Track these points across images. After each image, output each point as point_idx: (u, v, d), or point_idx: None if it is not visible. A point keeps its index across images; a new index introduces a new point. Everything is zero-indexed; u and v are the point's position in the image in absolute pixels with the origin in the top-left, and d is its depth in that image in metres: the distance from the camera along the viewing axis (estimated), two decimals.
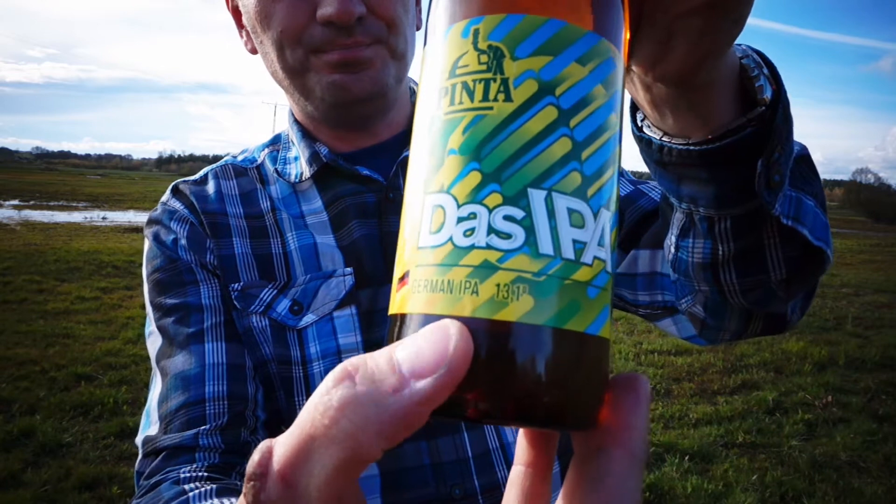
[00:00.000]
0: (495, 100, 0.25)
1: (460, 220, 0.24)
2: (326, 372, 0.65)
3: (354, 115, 0.71)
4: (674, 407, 3.79)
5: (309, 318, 0.67)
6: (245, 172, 0.77)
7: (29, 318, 5.15)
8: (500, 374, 0.22)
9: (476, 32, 0.26)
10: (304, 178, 0.73)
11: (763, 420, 3.67)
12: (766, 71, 0.43)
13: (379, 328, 0.69)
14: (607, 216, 0.25)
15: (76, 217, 14.61)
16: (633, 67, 0.39)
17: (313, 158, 0.72)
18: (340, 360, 0.63)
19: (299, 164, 0.74)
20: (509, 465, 0.64)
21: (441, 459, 0.66)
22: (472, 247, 0.23)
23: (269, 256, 0.69)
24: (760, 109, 0.42)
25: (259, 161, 0.78)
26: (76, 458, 2.91)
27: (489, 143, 0.24)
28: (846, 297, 7.64)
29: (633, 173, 0.80)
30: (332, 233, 0.71)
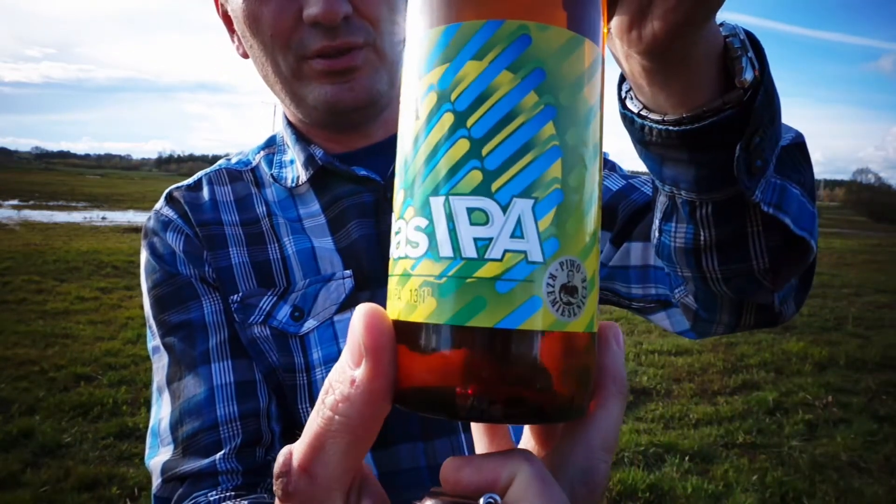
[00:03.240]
0: (412, 119, 0.26)
1: (395, 234, 0.27)
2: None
3: (348, 121, 0.71)
4: (674, 407, 3.78)
5: (310, 324, 0.67)
6: (240, 176, 0.76)
7: (28, 318, 5.15)
8: (422, 370, 0.25)
9: (413, 62, 0.27)
10: (300, 182, 0.72)
11: (763, 420, 3.66)
12: (750, 53, 0.42)
13: None
14: (527, 204, 0.24)
15: (75, 217, 14.61)
16: (612, 34, 0.39)
17: (309, 161, 0.72)
18: None
19: (295, 168, 0.74)
20: None
21: (437, 461, 0.66)
22: (397, 258, 0.26)
23: (268, 263, 0.69)
24: (739, 91, 0.41)
25: (254, 164, 0.77)
26: (75, 459, 2.91)
27: (407, 162, 0.26)
28: (847, 297, 7.64)
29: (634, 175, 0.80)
30: (331, 235, 0.70)
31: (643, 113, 0.45)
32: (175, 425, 0.64)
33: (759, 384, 4.26)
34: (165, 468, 0.63)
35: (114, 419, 3.33)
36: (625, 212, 0.70)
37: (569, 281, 0.25)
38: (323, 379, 0.65)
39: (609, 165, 0.78)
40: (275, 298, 0.67)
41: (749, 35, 0.43)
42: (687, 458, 3.15)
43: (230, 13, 0.69)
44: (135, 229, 12.16)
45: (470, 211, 0.24)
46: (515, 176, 0.24)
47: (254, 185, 0.75)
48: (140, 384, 3.84)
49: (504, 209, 0.24)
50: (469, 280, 0.24)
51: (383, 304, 0.27)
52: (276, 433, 0.66)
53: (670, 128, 0.43)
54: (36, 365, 4.03)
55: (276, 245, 0.70)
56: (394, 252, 0.27)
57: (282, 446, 0.64)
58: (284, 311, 0.67)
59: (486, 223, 0.24)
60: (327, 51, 0.63)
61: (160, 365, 0.69)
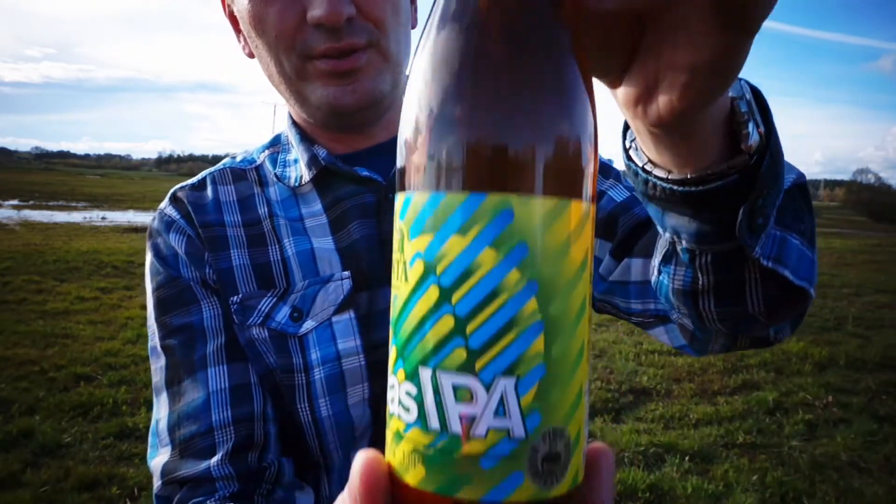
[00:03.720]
0: (401, 280, 0.27)
1: (390, 388, 0.28)
2: (327, 378, 0.66)
3: (350, 122, 0.71)
4: (674, 407, 3.78)
5: (309, 325, 0.67)
6: (244, 175, 0.76)
7: (28, 318, 5.15)
8: None
9: (398, 211, 0.28)
10: (303, 182, 0.73)
11: (763, 420, 3.67)
12: (757, 116, 0.41)
13: (378, 330, 0.68)
14: (510, 382, 0.25)
15: (75, 217, 14.61)
16: (617, 99, 0.38)
17: (312, 161, 0.72)
18: (340, 365, 0.64)
19: (299, 168, 0.74)
20: None
21: None
22: (391, 414, 0.28)
23: (268, 264, 0.70)
24: (745, 156, 0.41)
25: (258, 162, 0.78)
26: (75, 459, 2.91)
27: (399, 322, 0.27)
28: (847, 297, 7.64)
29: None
30: (332, 234, 0.71)
31: (647, 167, 0.44)
32: (173, 427, 0.66)
33: (759, 384, 4.26)
34: (165, 470, 0.65)
35: (114, 419, 3.33)
36: (626, 225, 0.69)
37: (551, 450, 0.26)
38: (321, 379, 0.66)
39: (614, 174, 0.77)
40: (274, 300, 0.68)
41: (755, 93, 0.43)
42: (687, 458, 3.15)
43: (236, 14, 0.70)
44: (134, 229, 12.15)
45: (455, 388, 0.25)
46: (498, 355, 0.25)
47: (257, 185, 0.75)
48: (140, 384, 3.84)
49: (487, 388, 0.25)
50: (455, 455, 0.25)
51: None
52: (272, 434, 0.68)
53: (674, 187, 0.43)
54: (36, 365, 4.04)
55: (277, 246, 0.70)
56: (389, 405, 0.28)
57: (277, 447, 0.64)
58: (284, 312, 0.68)
59: (470, 400, 0.25)
60: (331, 52, 0.64)
61: (159, 366, 0.70)
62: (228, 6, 0.72)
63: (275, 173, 0.75)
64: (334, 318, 0.68)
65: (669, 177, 0.43)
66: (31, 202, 18.90)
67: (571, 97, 0.26)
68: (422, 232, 0.26)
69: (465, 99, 0.25)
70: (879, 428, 3.58)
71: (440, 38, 0.26)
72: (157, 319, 0.71)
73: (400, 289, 0.27)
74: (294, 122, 0.77)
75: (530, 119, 0.25)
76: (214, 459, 0.63)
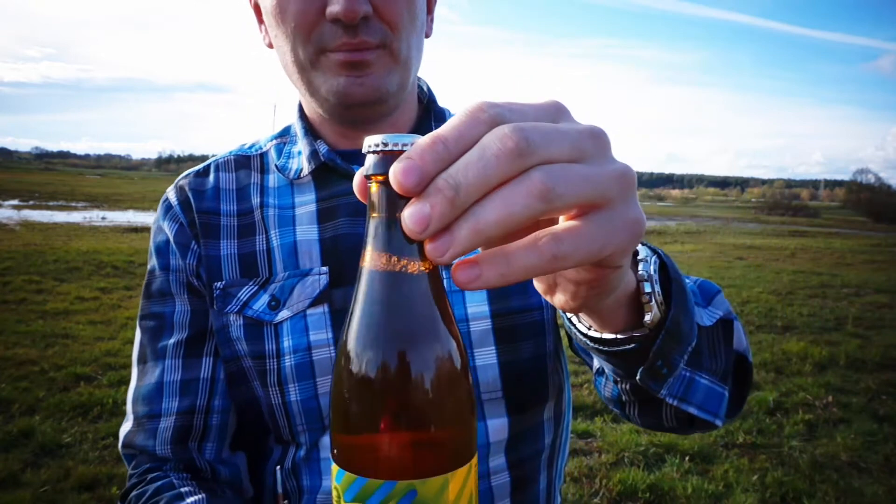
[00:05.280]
0: None
1: None
2: (297, 366, 0.71)
3: (357, 117, 0.74)
4: None
5: (284, 314, 0.71)
6: (247, 163, 0.80)
7: (28, 318, 5.15)
8: None
9: (335, 474, 0.34)
10: (302, 175, 0.76)
11: (763, 420, 3.67)
12: (659, 294, 0.47)
13: None
14: None
15: (75, 217, 14.61)
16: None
17: (312, 156, 0.75)
18: (311, 355, 0.68)
19: (300, 160, 0.77)
20: None
21: None
22: None
23: (253, 254, 0.74)
24: (646, 330, 0.48)
25: (264, 150, 0.82)
26: (75, 459, 2.91)
27: None
28: (847, 297, 7.64)
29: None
30: (318, 224, 0.74)
31: (571, 319, 0.51)
32: (134, 402, 0.76)
33: (759, 384, 4.25)
34: (125, 438, 0.75)
35: (114, 419, 3.33)
36: None
37: None
38: (291, 366, 0.71)
39: None
40: (255, 288, 0.73)
41: (664, 268, 0.49)
42: (687, 458, 3.15)
43: (260, 4, 0.74)
44: (134, 229, 12.16)
45: None
46: None
47: (258, 172, 0.79)
48: None
49: None
50: None
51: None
52: (214, 426, 0.75)
53: (588, 341, 0.50)
54: (36, 365, 4.04)
55: (264, 237, 0.75)
56: None
57: (220, 437, 0.75)
58: (263, 300, 0.72)
59: None
60: (344, 47, 0.67)
61: (136, 340, 0.78)
62: None
63: (276, 164, 0.79)
64: (309, 311, 0.71)
65: (588, 332, 0.50)
66: (31, 202, 18.91)
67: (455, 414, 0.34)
68: (353, 499, 0.33)
69: (373, 422, 0.33)
70: (879, 428, 3.58)
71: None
72: (143, 298, 0.79)
73: None
74: (302, 116, 0.80)
75: (424, 436, 0.33)
76: (159, 440, 0.73)
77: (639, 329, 0.48)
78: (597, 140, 0.31)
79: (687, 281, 0.58)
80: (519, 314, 0.72)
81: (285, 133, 0.83)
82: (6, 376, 3.82)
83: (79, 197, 22.48)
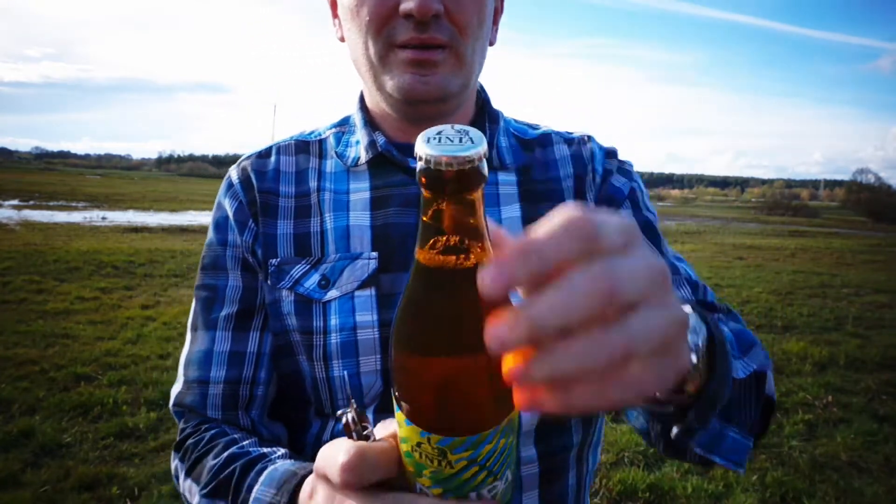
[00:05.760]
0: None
1: None
2: (342, 344, 0.74)
3: (418, 114, 0.77)
4: None
5: (333, 294, 0.75)
6: (306, 148, 0.84)
7: (28, 318, 5.15)
8: None
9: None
10: (360, 163, 0.80)
11: None
12: (700, 368, 0.49)
13: (393, 309, 0.73)
14: None
15: (76, 217, 14.61)
16: None
17: (370, 146, 0.79)
18: (355, 335, 0.73)
19: (358, 149, 0.81)
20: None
21: None
22: None
23: (308, 235, 0.78)
24: (684, 396, 0.50)
25: (323, 136, 0.85)
26: (76, 459, 2.91)
27: None
28: (846, 297, 7.65)
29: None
30: (371, 211, 0.77)
31: None
32: (186, 366, 0.80)
33: None
34: (176, 398, 0.80)
35: (114, 419, 3.34)
36: None
37: None
38: (336, 344, 0.74)
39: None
40: (307, 266, 0.77)
41: (711, 337, 0.51)
42: None
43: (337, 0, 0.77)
44: (135, 229, 12.16)
45: None
46: None
47: (316, 157, 0.83)
48: (140, 384, 3.84)
49: None
50: None
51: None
52: (258, 396, 0.78)
53: None
54: (36, 365, 4.04)
55: (319, 219, 0.79)
56: None
57: (262, 406, 0.79)
58: (313, 279, 0.76)
59: None
60: (413, 42, 0.70)
61: (192, 307, 0.82)
62: None
63: (335, 151, 0.83)
64: (356, 293, 0.74)
65: None
66: (31, 202, 18.90)
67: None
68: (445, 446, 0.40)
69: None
70: (879, 428, 3.58)
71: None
72: (200, 269, 0.83)
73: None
74: (362, 107, 0.84)
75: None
76: (208, 404, 0.77)
77: (678, 395, 0.50)
78: (666, 281, 0.34)
79: (725, 330, 0.61)
80: None
81: (344, 123, 0.86)
82: (6, 376, 3.82)
83: (79, 197, 22.49)
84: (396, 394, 0.41)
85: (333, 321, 0.74)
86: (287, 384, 0.79)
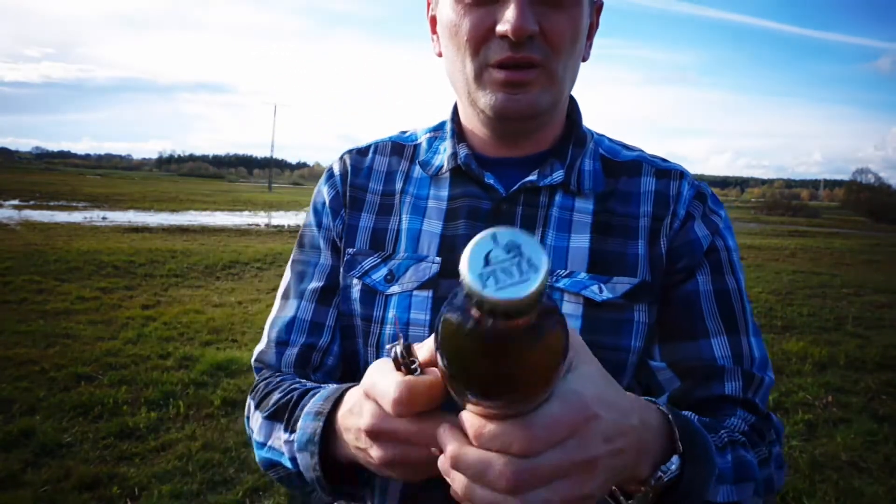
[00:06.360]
0: None
1: None
2: (395, 335, 0.79)
3: (508, 129, 0.80)
4: None
5: (395, 289, 0.80)
6: (401, 150, 0.90)
7: (29, 318, 5.15)
8: None
9: None
10: (441, 173, 0.84)
11: None
12: (673, 470, 0.54)
13: None
14: None
15: (76, 217, 14.62)
16: None
17: (452, 157, 0.83)
18: (407, 330, 0.79)
19: (443, 158, 0.85)
20: None
21: None
22: None
23: (385, 231, 0.84)
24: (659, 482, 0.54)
25: (418, 141, 0.90)
26: (76, 459, 2.91)
27: None
28: (846, 297, 7.65)
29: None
30: (443, 220, 0.82)
31: None
32: (271, 328, 0.88)
33: None
34: (258, 355, 0.87)
35: (114, 419, 3.34)
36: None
37: None
38: (390, 335, 0.80)
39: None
40: (378, 260, 0.83)
41: (689, 440, 0.56)
42: None
43: (437, 17, 0.81)
44: (135, 229, 12.17)
45: None
46: None
47: (407, 161, 0.89)
48: (140, 384, 3.85)
49: None
50: None
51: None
52: (328, 364, 0.85)
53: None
54: (36, 365, 4.04)
55: (397, 218, 0.85)
56: None
57: (329, 372, 0.86)
58: (381, 272, 0.82)
59: None
60: (507, 62, 0.72)
61: (285, 278, 0.90)
62: (431, 10, 0.83)
63: (420, 160, 0.88)
64: (415, 292, 0.79)
65: None
66: (31, 202, 18.91)
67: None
68: None
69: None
70: (879, 428, 3.58)
71: None
72: (297, 245, 0.92)
73: None
74: (454, 118, 0.87)
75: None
76: (284, 363, 0.85)
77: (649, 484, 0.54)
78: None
79: (717, 460, 0.63)
80: (605, 350, 0.75)
81: (440, 128, 0.90)
82: (6, 376, 3.82)
83: (79, 197, 22.49)
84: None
85: (391, 314, 0.80)
86: (346, 363, 0.86)
